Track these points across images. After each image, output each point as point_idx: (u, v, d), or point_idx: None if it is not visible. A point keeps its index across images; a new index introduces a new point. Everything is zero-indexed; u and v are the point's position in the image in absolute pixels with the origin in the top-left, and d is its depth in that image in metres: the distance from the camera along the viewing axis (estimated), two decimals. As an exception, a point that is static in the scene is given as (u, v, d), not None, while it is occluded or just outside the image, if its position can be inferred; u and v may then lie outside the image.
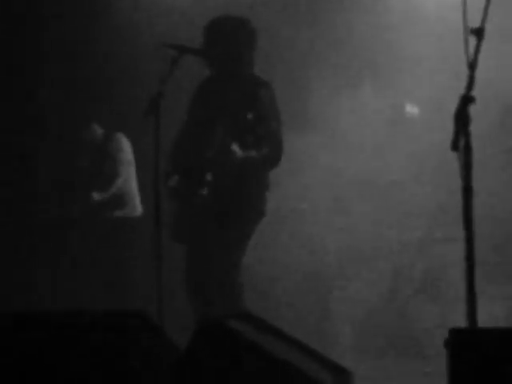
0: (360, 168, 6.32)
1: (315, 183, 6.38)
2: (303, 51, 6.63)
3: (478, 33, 3.70)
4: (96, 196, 6.34)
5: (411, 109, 6.34)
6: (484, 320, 3.55)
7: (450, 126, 3.61)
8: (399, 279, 6.09)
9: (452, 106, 3.64)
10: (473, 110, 3.59)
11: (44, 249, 6.65)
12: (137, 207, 6.50)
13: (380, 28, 6.43)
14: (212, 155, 4.97)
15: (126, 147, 6.46)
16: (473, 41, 3.70)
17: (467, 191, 3.60)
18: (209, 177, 4.96)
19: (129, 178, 6.46)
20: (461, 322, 3.63)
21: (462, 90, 3.63)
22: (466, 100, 3.61)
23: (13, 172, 6.61)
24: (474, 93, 3.61)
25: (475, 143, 3.56)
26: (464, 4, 3.72)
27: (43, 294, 6.43)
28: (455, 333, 3.04)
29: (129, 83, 6.60)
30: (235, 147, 4.83)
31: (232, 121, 4.93)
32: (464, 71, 3.69)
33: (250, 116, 4.73)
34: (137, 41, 6.64)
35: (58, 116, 6.77)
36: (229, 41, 5.03)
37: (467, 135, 3.59)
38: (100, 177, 6.41)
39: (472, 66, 3.68)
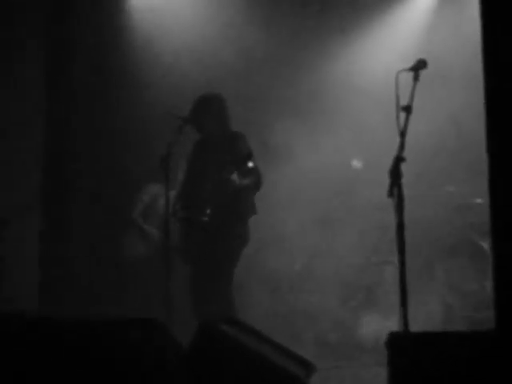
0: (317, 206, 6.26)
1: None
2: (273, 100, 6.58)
3: (407, 109, 3.78)
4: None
5: (356, 163, 6.35)
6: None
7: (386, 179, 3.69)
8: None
9: (388, 162, 3.72)
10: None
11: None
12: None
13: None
14: (209, 187, 5.06)
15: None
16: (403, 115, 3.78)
17: (400, 226, 3.65)
18: (208, 210, 5.03)
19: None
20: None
21: (394, 152, 3.71)
22: (399, 160, 3.68)
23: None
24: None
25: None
26: (396, 86, 3.79)
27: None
28: (393, 336, 3.03)
29: (143, 146, 6.58)
30: (235, 176, 4.93)
31: (224, 162, 5.04)
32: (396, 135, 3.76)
33: (245, 153, 4.87)
34: (150, 112, 6.62)
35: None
36: (212, 113, 5.25)
37: (399, 186, 3.65)
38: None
39: (403, 133, 3.75)
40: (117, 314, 5.42)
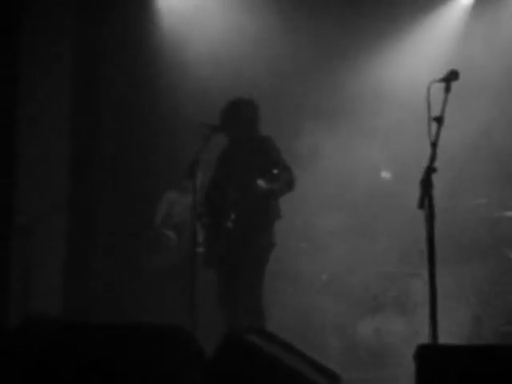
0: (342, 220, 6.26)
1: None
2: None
3: (439, 120, 3.78)
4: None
5: (385, 174, 6.33)
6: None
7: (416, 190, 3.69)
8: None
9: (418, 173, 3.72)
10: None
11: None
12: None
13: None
14: (235, 192, 5.06)
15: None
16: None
17: (430, 237, 3.64)
18: (233, 215, 5.02)
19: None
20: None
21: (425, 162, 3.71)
22: (430, 170, 3.68)
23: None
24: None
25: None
26: (428, 97, 3.78)
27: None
28: (422, 348, 3.02)
29: (172, 153, 6.64)
30: (260, 181, 4.94)
31: (252, 166, 5.06)
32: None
33: (273, 156, 4.92)
34: (178, 120, 6.68)
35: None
36: (243, 119, 5.22)
37: (430, 197, 3.65)
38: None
39: (434, 144, 3.75)
40: (142, 321, 5.54)
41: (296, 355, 3.66)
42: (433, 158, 3.71)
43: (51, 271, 6.23)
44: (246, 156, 5.15)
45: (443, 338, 3.54)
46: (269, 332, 3.79)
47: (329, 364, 3.76)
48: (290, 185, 5.10)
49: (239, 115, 5.20)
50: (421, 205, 3.66)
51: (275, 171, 4.84)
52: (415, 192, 3.69)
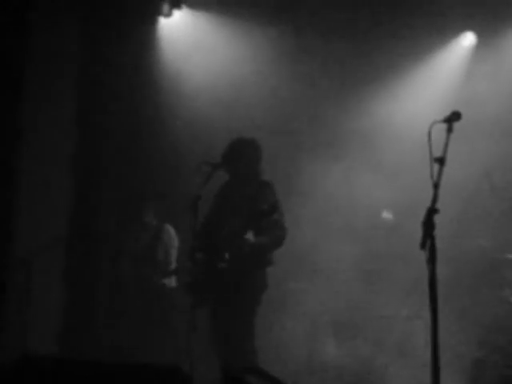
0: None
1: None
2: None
3: (441, 161, 3.80)
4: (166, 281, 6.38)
5: (387, 214, 6.33)
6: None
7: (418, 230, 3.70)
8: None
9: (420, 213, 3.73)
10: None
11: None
12: (174, 281, 6.52)
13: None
14: (227, 236, 5.07)
15: (175, 236, 6.53)
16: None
17: (432, 279, 3.63)
18: (227, 255, 5.04)
19: (174, 260, 6.51)
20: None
21: (427, 203, 3.72)
22: (431, 212, 3.69)
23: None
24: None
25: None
26: (429, 137, 3.80)
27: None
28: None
29: (174, 188, 6.72)
30: (250, 235, 4.95)
31: (245, 213, 5.07)
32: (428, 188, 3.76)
33: (265, 207, 4.88)
34: (180, 160, 6.77)
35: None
36: (243, 156, 5.28)
37: (432, 238, 3.65)
38: (155, 258, 6.42)
39: (436, 185, 3.76)
40: (139, 360, 5.53)
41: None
42: (435, 198, 3.71)
43: (49, 306, 6.22)
44: (243, 199, 5.20)
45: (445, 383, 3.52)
46: (267, 372, 3.76)
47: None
48: (278, 242, 5.15)
49: (239, 153, 5.27)
50: (423, 246, 3.65)
51: (264, 207, 4.86)
52: (417, 232, 3.70)
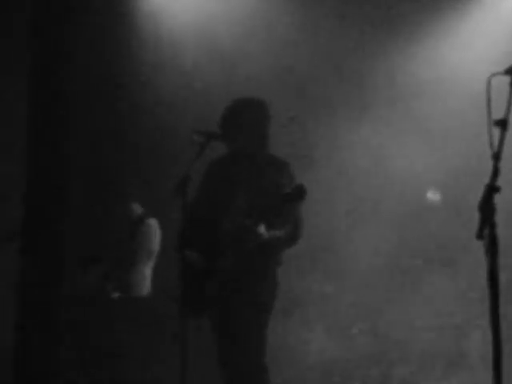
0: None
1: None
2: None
3: (503, 124, 3.72)
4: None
5: (433, 195, 6.30)
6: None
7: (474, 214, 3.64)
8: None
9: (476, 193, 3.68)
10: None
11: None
12: (146, 288, 6.47)
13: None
14: (229, 229, 5.03)
15: (155, 236, 6.46)
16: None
17: (493, 276, 3.57)
18: (230, 253, 4.98)
19: (147, 265, 6.45)
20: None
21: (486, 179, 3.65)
22: (491, 190, 3.60)
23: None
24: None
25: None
26: (488, 94, 3.73)
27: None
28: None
29: (159, 163, 6.72)
30: (262, 229, 4.89)
31: (254, 199, 5.03)
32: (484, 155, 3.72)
33: (289, 191, 4.80)
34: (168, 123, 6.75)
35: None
36: (248, 123, 5.18)
37: (493, 225, 3.58)
38: (123, 259, 6.41)
39: (497, 156, 3.69)
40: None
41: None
42: (495, 173, 3.64)
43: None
44: (250, 178, 5.12)
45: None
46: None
47: None
48: (295, 238, 5.11)
49: (241, 118, 5.17)
50: (480, 234, 3.59)
51: (282, 195, 4.78)
52: (472, 217, 3.65)
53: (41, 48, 6.71)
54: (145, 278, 6.40)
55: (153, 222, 6.43)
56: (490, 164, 3.63)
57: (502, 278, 3.59)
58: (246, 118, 5.17)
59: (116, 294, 6.30)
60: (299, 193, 4.78)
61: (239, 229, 4.93)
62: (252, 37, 6.69)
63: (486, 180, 3.60)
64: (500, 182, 3.61)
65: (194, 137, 5.01)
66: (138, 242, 6.38)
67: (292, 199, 4.79)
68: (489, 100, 3.71)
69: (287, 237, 5.04)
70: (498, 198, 3.60)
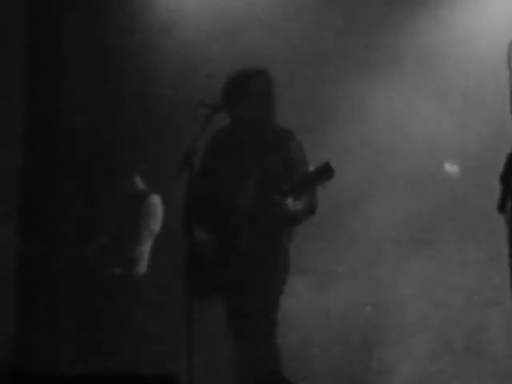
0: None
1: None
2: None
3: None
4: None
5: (450, 167, 6.24)
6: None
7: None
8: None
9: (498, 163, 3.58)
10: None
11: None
12: (144, 266, 6.40)
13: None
14: (245, 205, 5.03)
15: (157, 214, 6.34)
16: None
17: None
18: (246, 233, 4.98)
19: (147, 243, 6.35)
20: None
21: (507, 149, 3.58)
22: (514, 159, 3.54)
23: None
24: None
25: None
26: (509, 57, 3.66)
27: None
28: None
29: (163, 137, 6.65)
30: (291, 203, 4.90)
31: (266, 170, 5.06)
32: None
33: (313, 168, 4.79)
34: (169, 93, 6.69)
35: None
36: (253, 93, 5.17)
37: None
38: (123, 238, 6.32)
39: (519, 123, 3.62)
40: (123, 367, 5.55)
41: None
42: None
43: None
44: (265, 153, 5.10)
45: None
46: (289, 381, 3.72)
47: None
48: (312, 211, 5.12)
49: (250, 89, 5.14)
50: (502, 207, 3.52)
51: (313, 169, 4.71)
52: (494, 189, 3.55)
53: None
54: (145, 255, 6.33)
55: (156, 199, 6.33)
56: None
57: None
58: (252, 88, 5.16)
59: (118, 270, 6.23)
60: (327, 172, 4.76)
61: (268, 204, 4.91)
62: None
63: (508, 149, 3.53)
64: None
65: (200, 109, 4.96)
66: (140, 219, 6.29)
67: (320, 179, 4.77)
68: (509, 64, 3.65)
69: (306, 209, 5.06)
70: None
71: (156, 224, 6.30)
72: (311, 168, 4.76)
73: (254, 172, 5.10)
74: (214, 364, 5.44)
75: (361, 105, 6.41)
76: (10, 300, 6.35)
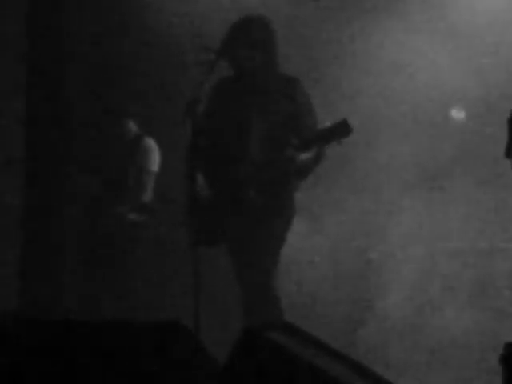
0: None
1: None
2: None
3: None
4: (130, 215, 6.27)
5: (457, 113, 6.18)
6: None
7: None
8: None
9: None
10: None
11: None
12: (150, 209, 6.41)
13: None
14: (251, 155, 5.04)
15: (153, 156, 6.30)
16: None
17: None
18: (252, 193, 4.99)
19: (150, 189, 6.33)
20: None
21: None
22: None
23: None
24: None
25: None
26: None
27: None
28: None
29: (164, 82, 6.60)
30: (304, 156, 4.91)
31: (272, 120, 5.04)
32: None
33: (329, 124, 4.75)
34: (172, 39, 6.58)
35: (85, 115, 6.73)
36: (255, 40, 5.13)
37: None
38: (126, 189, 6.28)
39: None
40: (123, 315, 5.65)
41: (336, 359, 3.60)
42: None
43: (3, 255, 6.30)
44: (265, 105, 5.08)
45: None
46: (297, 328, 3.74)
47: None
48: (319, 160, 5.08)
49: (254, 35, 5.11)
50: (508, 152, 3.52)
51: (329, 124, 4.69)
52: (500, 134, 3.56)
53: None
54: (150, 198, 6.32)
55: (150, 141, 6.30)
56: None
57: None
58: (256, 35, 5.12)
59: (132, 216, 6.23)
60: (344, 129, 4.72)
61: (278, 158, 4.92)
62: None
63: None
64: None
65: (203, 54, 4.94)
66: (136, 163, 6.26)
67: (336, 135, 4.73)
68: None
69: (314, 160, 5.03)
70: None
71: (154, 165, 6.26)
72: (327, 124, 4.72)
73: (259, 122, 5.08)
74: (220, 309, 5.47)
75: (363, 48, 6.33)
76: (14, 249, 6.40)
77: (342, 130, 4.72)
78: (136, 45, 6.67)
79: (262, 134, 5.06)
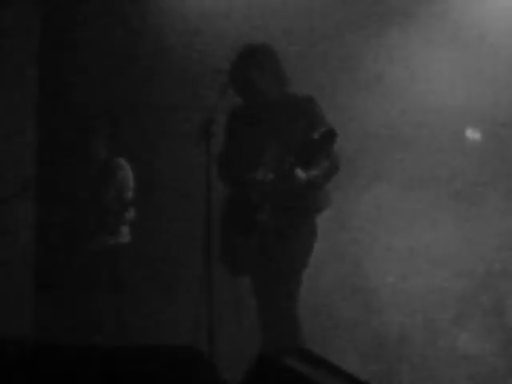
0: None
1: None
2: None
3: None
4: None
5: (472, 134, 6.16)
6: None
7: None
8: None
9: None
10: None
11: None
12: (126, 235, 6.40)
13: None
14: (265, 174, 5.04)
15: (121, 180, 6.32)
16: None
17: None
18: (267, 205, 4.99)
19: (121, 214, 6.31)
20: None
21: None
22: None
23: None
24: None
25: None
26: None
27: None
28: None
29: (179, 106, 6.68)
30: (299, 172, 4.88)
31: (285, 141, 5.04)
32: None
33: (315, 135, 4.72)
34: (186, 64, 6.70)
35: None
36: (265, 67, 5.20)
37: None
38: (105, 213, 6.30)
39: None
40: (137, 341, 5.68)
41: (348, 382, 3.61)
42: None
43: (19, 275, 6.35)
44: (278, 122, 5.12)
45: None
46: (313, 353, 3.75)
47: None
48: (333, 173, 5.09)
49: (256, 58, 5.17)
50: None
51: (315, 135, 4.71)
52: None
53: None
54: (123, 224, 6.34)
55: (120, 163, 6.35)
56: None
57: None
58: (263, 58, 5.19)
59: (112, 241, 6.25)
60: (330, 138, 4.72)
61: (279, 174, 4.93)
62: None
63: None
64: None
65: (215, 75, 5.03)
66: (108, 184, 6.30)
67: (322, 146, 4.73)
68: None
69: (325, 172, 5.03)
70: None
71: (124, 191, 6.29)
72: (314, 135, 4.70)
73: (272, 145, 5.08)
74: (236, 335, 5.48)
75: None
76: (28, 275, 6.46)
77: (328, 138, 4.70)
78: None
79: (274, 156, 5.06)
